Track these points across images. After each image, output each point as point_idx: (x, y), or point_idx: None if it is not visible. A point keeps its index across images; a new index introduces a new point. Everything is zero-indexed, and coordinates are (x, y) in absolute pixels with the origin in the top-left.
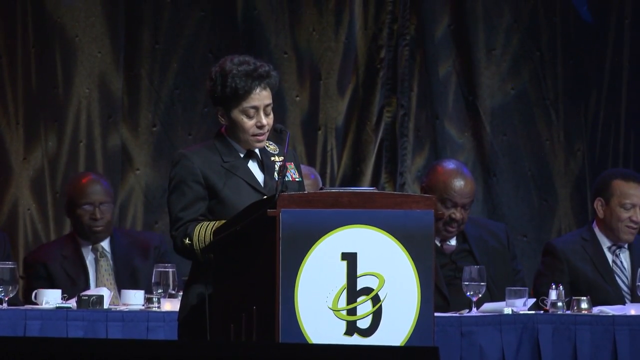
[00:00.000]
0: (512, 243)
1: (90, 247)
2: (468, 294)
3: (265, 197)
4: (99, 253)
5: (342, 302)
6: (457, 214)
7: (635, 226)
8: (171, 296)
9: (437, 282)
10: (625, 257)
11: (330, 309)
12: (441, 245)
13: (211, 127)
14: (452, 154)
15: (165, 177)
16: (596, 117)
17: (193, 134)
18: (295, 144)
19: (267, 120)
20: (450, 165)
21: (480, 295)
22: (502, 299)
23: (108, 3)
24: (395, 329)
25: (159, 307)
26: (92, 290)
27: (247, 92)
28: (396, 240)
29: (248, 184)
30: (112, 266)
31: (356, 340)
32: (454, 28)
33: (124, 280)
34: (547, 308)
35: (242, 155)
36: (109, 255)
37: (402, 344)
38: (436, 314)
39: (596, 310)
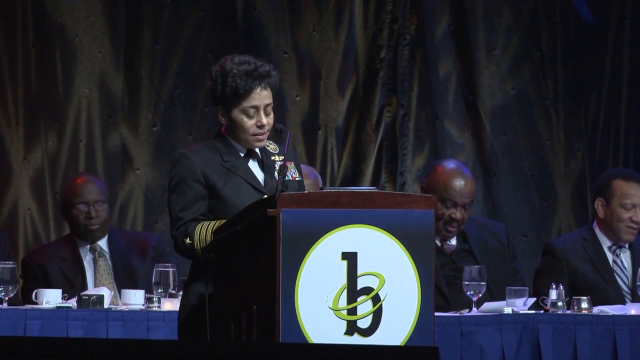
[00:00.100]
0: (512, 243)
1: (88, 247)
2: (468, 293)
3: (265, 196)
4: (97, 253)
5: (343, 302)
6: (457, 214)
7: (635, 226)
8: (171, 296)
9: (437, 281)
10: (625, 257)
11: (331, 308)
12: (441, 245)
13: (211, 127)
14: (452, 153)
15: (165, 177)
16: (596, 117)
17: (193, 134)
18: (295, 144)
19: (267, 120)
20: (450, 165)
21: (480, 295)
22: (502, 298)
23: (108, 3)
24: (396, 329)
25: (159, 307)
26: (93, 290)
27: (248, 92)
28: (396, 240)
29: (248, 184)
30: (110, 266)
31: (356, 340)
32: (454, 28)
33: (123, 280)
34: (548, 308)
35: (242, 155)
36: (107, 255)
37: (403, 344)
38: (436, 314)
39: (596, 310)
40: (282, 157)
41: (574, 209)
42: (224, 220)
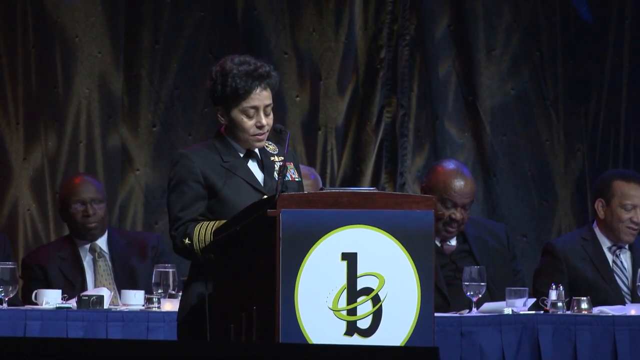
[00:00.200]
0: (512, 243)
1: (88, 247)
2: (468, 294)
3: (265, 197)
4: (97, 254)
5: (342, 302)
6: (457, 214)
7: (635, 227)
8: (171, 296)
9: (437, 282)
10: (625, 258)
11: (331, 309)
12: (441, 246)
13: (211, 127)
14: (452, 154)
15: (165, 177)
16: (596, 117)
17: (193, 134)
18: (295, 144)
19: (266, 121)
20: (450, 165)
21: (480, 296)
22: (502, 299)
23: (108, 3)
24: (396, 329)
25: (159, 308)
26: (92, 291)
27: (247, 92)
28: (396, 241)
29: (248, 184)
30: (110, 267)
31: (356, 340)
32: (453, 28)
33: (123, 280)
34: (547, 308)
35: (241, 155)
36: (107, 256)
37: (402, 344)
38: (436, 314)
39: (596, 310)
40: (282, 157)
41: (574, 209)
42: (223, 221)
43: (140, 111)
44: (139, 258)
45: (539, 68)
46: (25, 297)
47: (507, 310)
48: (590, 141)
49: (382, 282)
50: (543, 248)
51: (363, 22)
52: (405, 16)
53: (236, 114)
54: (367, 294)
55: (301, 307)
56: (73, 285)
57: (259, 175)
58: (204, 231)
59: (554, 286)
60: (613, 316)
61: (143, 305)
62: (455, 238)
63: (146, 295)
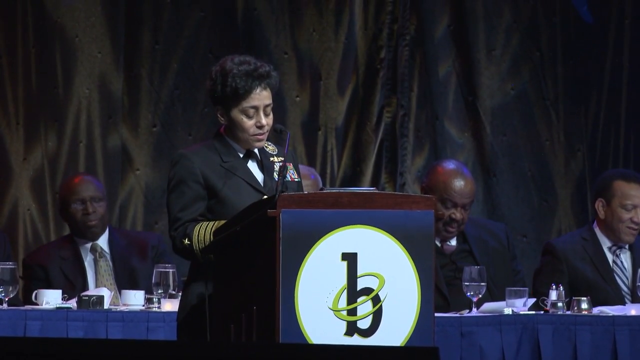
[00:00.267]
0: (512, 243)
1: (89, 247)
2: (468, 294)
3: (265, 197)
4: (97, 254)
5: (343, 303)
6: (457, 214)
7: (636, 227)
8: (171, 296)
9: (437, 282)
10: (626, 258)
11: (331, 309)
12: (441, 246)
13: (211, 128)
14: (452, 154)
15: (165, 178)
16: (596, 117)
17: (193, 134)
18: (295, 144)
19: (266, 121)
20: (450, 165)
21: (480, 296)
22: (502, 299)
23: (108, 3)
24: (396, 329)
25: (159, 308)
26: (93, 291)
27: (247, 92)
28: (396, 241)
29: (248, 184)
30: (111, 267)
31: (356, 340)
32: (453, 28)
33: (123, 280)
34: (547, 308)
35: (241, 156)
36: (108, 256)
37: (403, 344)
38: (436, 314)
39: (596, 310)
40: (281, 158)
41: (574, 209)
42: (222, 221)
43: (140, 111)
44: (140, 258)
45: (539, 68)
46: (26, 297)
47: (507, 311)
48: (590, 141)
49: (382, 282)
50: (543, 248)
51: (363, 22)
52: (405, 16)
53: (236, 113)
54: (367, 294)
55: (301, 307)
56: (74, 285)
57: (258, 175)
58: (203, 231)
59: (554, 286)
60: (613, 316)
61: (143, 306)
62: (455, 238)
63: (146, 296)
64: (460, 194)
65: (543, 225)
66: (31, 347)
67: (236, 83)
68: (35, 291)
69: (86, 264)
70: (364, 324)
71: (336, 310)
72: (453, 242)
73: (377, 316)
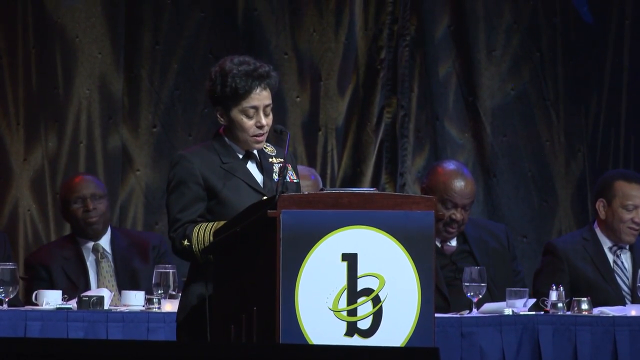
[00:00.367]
0: (512, 244)
1: (91, 248)
2: (468, 294)
3: (265, 197)
4: (99, 254)
5: (343, 303)
6: (458, 215)
7: (637, 227)
8: (172, 297)
9: (437, 282)
10: (626, 258)
11: (331, 309)
12: (441, 246)
13: (211, 128)
14: (452, 154)
15: (165, 178)
16: (597, 118)
17: (193, 135)
18: (295, 145)
19: (266, 121)
20: (450, 166)
21: (480, 296)
22: (502, 299)
23: (108, 4)
24: (396, 330)
25: (159, 308)
26: (93, 291)
27: (247, 92)
28: (396, 241)
29: (247, 185)
30: (113, 268)
31: (356, 341)
32: (454, 29)
33: (125, 281)
34: (548, 309)
35: (240, 157)
36: (109, 257)
37: (403, 345)
38: (436, 315)
39: (596, 311)
40: (280, 159)
41: (574, 210)
42: (222, 222)
43: (141, 112)
44: (141, 259)
45: (539, 69)
46: (28, 297)
47: (508, 311)
48: (590, 142)
49: (382, 283)
50: (544, 248)
51: (363, 22)
52: (405, 17)
53: (236, 114)
54: (368, 295)
55: (301, 307)
56: (76, 286)
57: (258, 176)
58: (202, 232)
59: (554, 287)
60: (613, 317)
61: (143, 306)
62: (455, 239)
63: (146, 296)
64: (461, 195)
65: (543, 225)
66: (31, 347)
67: (236, 83)
68: (36, 292)
69: (88, 264)
70: (364, 324)
71: (336, 311)
72: (453, 243)
73: (377, 317)
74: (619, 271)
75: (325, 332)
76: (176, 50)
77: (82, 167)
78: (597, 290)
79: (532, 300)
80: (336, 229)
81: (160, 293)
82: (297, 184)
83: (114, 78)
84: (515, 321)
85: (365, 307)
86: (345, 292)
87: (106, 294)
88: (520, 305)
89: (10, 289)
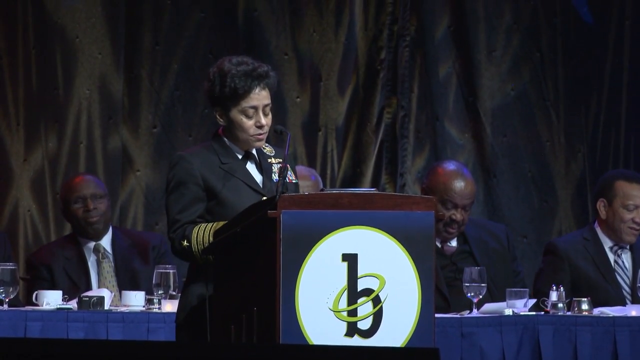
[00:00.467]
0: (512, 244)
1: (92, 248)
2: (468, 295)
3: (265, 198)
4: (100, 254)
5: (343, 303)
6: (458, 215)
7: (637, 227)
8: (172, 297)
9: (437, 283)
10: (627, 258)
11: (331, 310)
12: (441, 247)
13: (211, 129)
14: (453, 155)
15: (165, 179)
16: (597, 118)
17: (193, 135)
18: (295, 145)
19: (266, 121)
20: (450, 166)
21: (480, 297)
22: (502, 300)
23: (108, 4)
24: (396, 330)
25: (159, 309)
26: (93, 292)
27: (247, 92)
28: (397, 242)
29: (247, 185)
30: (114, 268)
31: (357, 341)
32: (454, 29)
33: (125, 281)
34: (548, 309)
35: (240, 157)
36: (110, 257)
37: (403, 345)
38: (437, 315)
39: (597, 311)
40: (279, 159)
41: (574, 210)
42: (222, 223)
43: (141, 112)
44: (142, 259)
45: (539, 69)
46: (29, 297)
47: (508, 311)
48: (590, 142)
49: (382, 283)
50: (545, 247)
51: (363, 23)
52: (405, 17)
53: (235, 114)
54: (368, 295)
55: (302, 308)
56: (77, 286)
57: (257, 177)
58: (202, 233)
59: (554, 287)
60: (613, 317)
61: (143, 306)
62: (455, 239)
63: (147, 296)
64: (461, 195)
65: (543, 226)
66: (32, 348)
67: (235, 83)
68: (36, 292)
69: (89, 264)
70: (365, 324)
71: (336, 311)
72: (453, 243)
73: (377, 317)
74: (619, 271)
75: (325, 333)
76: (176, 51)
77: (82, 168)
78: (597, 289)
79: (532, 301)
80: (336, 229)
81: (161, 293)
82: (296, 184)
83: (114, 78)
84: (515, 321)
85: (365, 308)
86: (346, 292)
87: (106, 294)
88: (520, 306)
89: (11, 289)
